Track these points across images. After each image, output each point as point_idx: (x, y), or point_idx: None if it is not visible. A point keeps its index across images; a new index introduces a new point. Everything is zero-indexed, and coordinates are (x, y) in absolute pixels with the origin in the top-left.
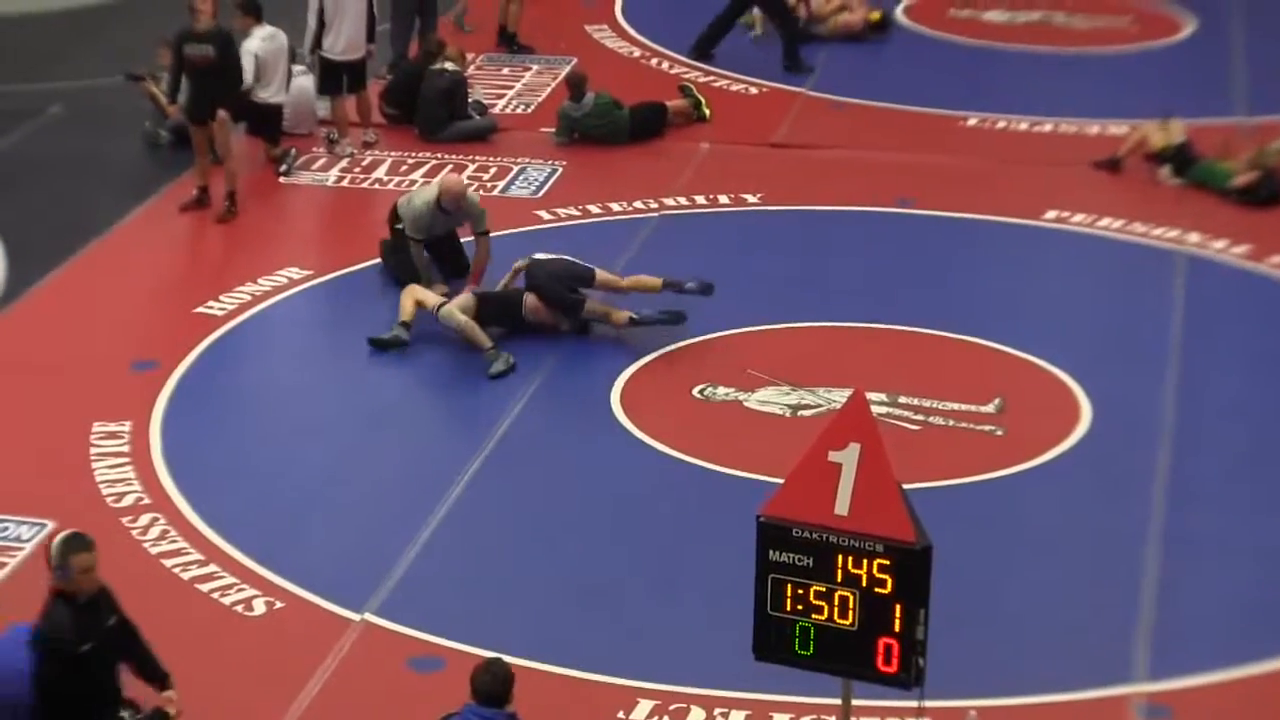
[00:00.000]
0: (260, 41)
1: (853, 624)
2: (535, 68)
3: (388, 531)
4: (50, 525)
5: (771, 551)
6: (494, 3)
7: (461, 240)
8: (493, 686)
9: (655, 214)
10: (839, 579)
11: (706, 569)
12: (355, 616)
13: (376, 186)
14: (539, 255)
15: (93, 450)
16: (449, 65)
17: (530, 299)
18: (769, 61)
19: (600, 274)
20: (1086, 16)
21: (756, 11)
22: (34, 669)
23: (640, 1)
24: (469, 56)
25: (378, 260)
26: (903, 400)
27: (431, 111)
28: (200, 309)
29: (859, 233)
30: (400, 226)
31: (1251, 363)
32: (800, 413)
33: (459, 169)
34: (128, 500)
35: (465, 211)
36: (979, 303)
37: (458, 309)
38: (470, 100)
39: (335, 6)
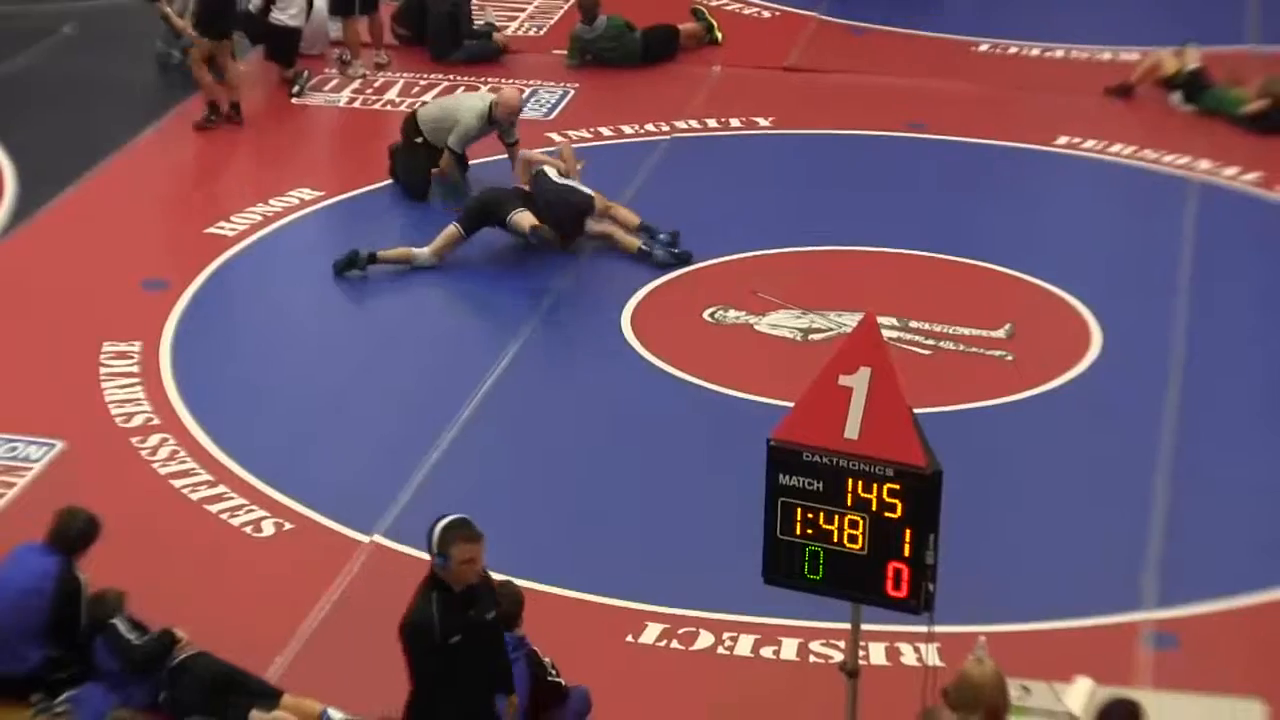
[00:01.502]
0: None
1: (862, 548)
2: None
3: (398, 453)
4: (59, 445)
5: (781, 475)
6: None
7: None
8: (503, 609)
9: (667, 137)
10: (849, 503)
11: (716, 492)
12: (365, 538)
13: (389, 108)
14: (547, 170)
15: (102, 370)
16: None
17: (526, 216)
18: None
19: (599, 200)
20: None
21: None
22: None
23: None
24: None
25: (389, 182)
26: (914, 325)
27: (440, 33)
28: (211, 229)
29: (871, 157)
30: (420, 140)
31: (1262, 290)
32: (811, 336)
33: (471, 90)
34: (137, 420)
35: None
36: (990, 228)
37: (437, 246)
38: (481, 22)
39: None
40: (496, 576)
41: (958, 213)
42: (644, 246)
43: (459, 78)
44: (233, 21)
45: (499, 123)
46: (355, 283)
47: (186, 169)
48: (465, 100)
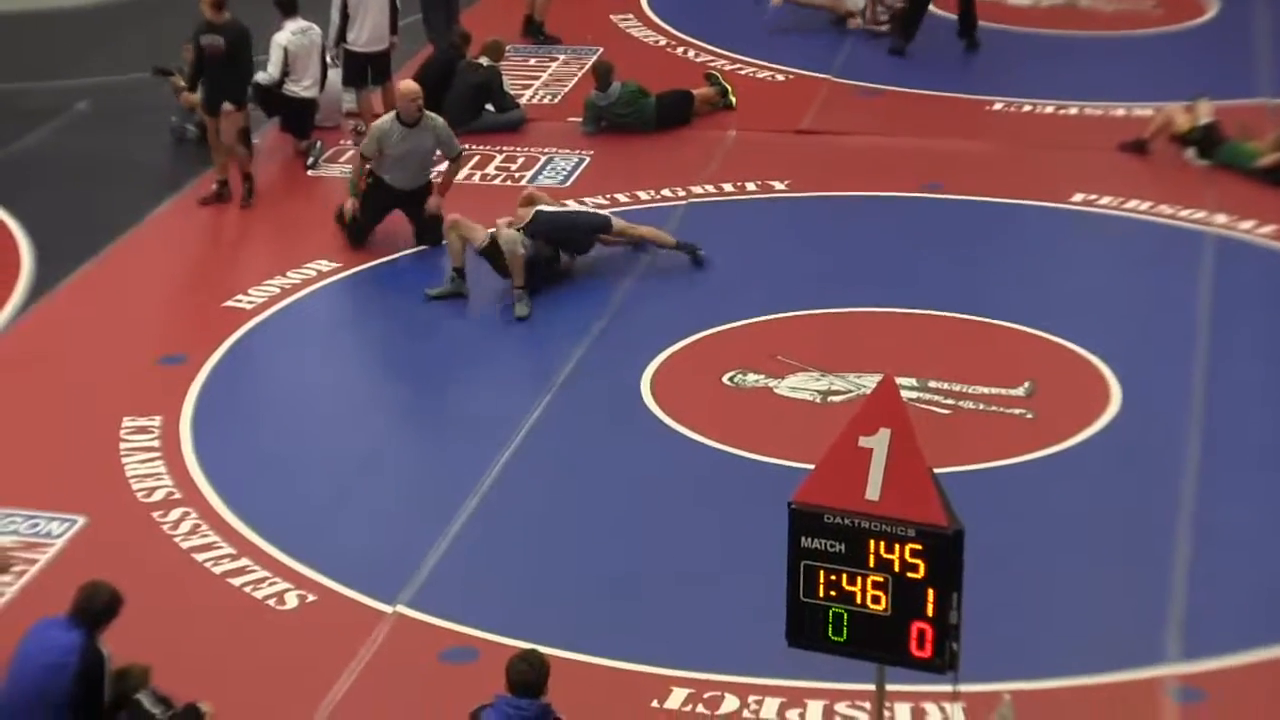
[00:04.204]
0: (290, 35)
1: (885, 609)
2: (562, 58)
3: (419, 523)
4: (81, 520)
5: (803, 538)
6: None
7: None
8: (528, 676)
9: (683, 202)
10: (871, 564)
11: (738, 556)
12: (388, 609)
13: None
14: (544, 208)
15: (123, 445)
16: (484, 60)
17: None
18: (795, 48)
19: (617, 222)
20: (1110, 0)
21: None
22: None
23: None
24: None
25: (406, 251)
26: (933, 385)
27: (463, 104)
28: (229, 303)
29: (886, 218)
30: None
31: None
32: (830, 399)
33: (486, 159)
34: (158, 495)
35: (430, 129)
36: (1008, 286)
37: (518, 240)
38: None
39: None
40: (519, 645)
41: (975, 272)
42: (683, 242)
43: (474, 147)
44: (228, 94)
45: (409, 124)
46: (372, 353)
47: (203, 243)
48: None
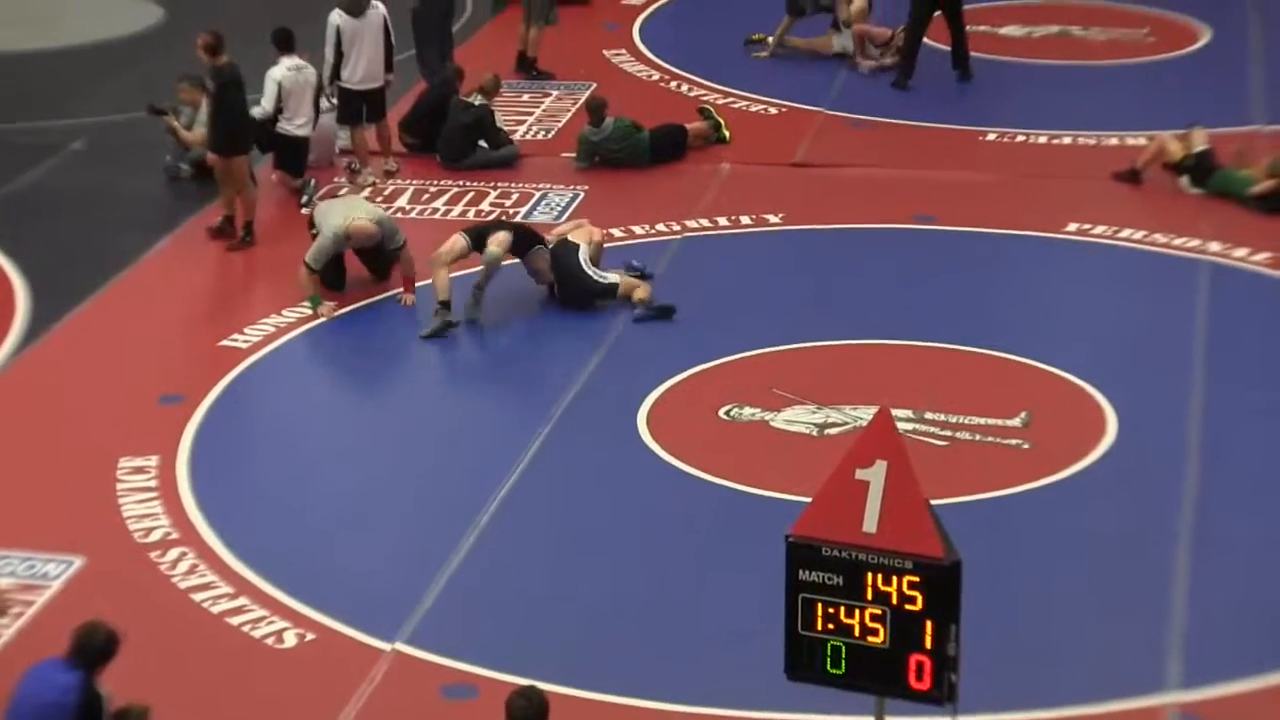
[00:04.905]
0: (285, 70)
1: (884, 642)
2: (555, 93)
3: (417, 560)
4: (78, 561)
5: (801, 571)
6: (514, 29)
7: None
8: (528, 713)
9: (678, 236)
10: (869, 597)
11: (736, 590)
12: (386, 646)
13: (399, 215)
14: (581, 251)
15: (120, 485)
16: (477, 99)
17: (544, 266)
18: (788, 81)
19: (623, 288)
20: (1103, 29)
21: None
22: None
23: (658, 25)
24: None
25: (401, 290)
26: (929, 416)
27: (455, 141)
28: (225, 342)
29: (881, 250)
30: (314, 231)
31: (1275, 369)
32: (827, 431)
33: (481, 195)
34: (155, 535)
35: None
36: (1003, 317)
37: (501, 252)
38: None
39: (353, 36)
40: (519, 681)
41: (969, 303)
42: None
43: (468, 184)
44: (216, 136)
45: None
46: (368, 390)
47: (198, 282)
48: (331, 216)
